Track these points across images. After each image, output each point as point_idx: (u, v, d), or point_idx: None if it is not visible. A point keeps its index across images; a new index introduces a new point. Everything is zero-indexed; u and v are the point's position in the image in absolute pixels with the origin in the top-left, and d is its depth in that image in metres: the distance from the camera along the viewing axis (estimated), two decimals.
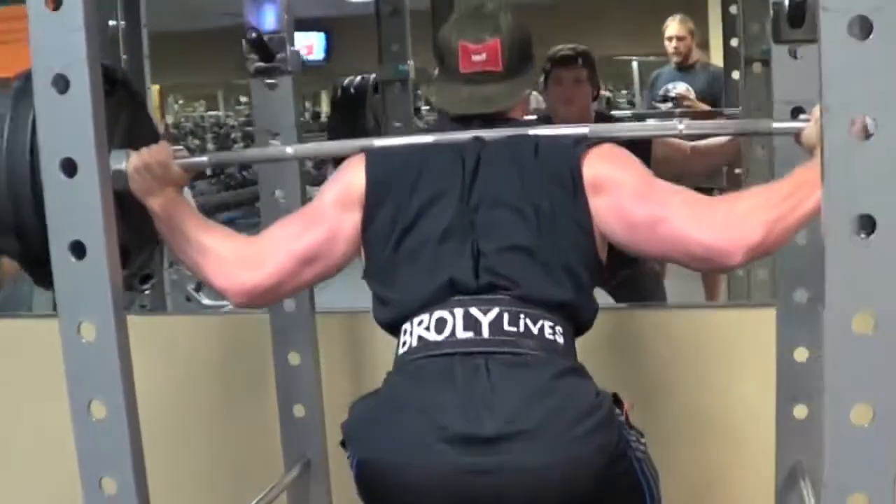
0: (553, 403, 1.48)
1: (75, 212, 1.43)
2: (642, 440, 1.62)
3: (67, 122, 1.42)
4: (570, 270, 1.62)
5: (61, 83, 1.41)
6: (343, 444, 1.64)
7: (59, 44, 1.40)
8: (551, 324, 1.58)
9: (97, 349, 1.45)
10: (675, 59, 4.80)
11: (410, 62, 3.05)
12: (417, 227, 1.64)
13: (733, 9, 3.28)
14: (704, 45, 7.59)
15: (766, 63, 2.83)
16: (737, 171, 3.23)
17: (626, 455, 1.57)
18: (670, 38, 4.79)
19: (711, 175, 3.31)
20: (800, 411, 1.97)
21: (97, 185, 1.43)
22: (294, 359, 2.18)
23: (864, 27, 1.15)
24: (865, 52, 1.15)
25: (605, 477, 1.51)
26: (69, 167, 1.42)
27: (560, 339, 1.58)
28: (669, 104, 4.61)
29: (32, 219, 1.59)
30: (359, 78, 3.49)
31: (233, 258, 1.69)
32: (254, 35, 1.97)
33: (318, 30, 10.67)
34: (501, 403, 1.47)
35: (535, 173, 1.65)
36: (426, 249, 1.63)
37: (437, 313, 1.58)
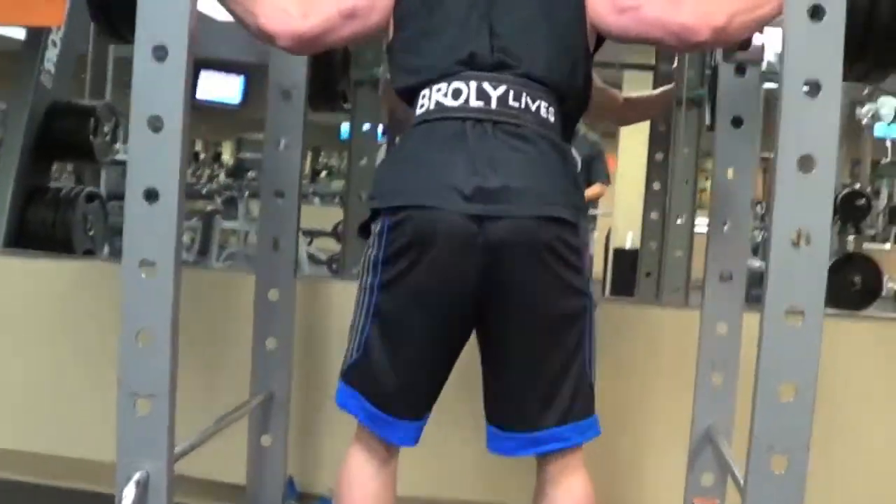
0: (545, 170, 1.84)
1: None
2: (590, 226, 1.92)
3: None
4: (567, 52, 1.95)
5: None
6: (363, 228, 1.88)
7: None
8: (546, 104, 1.91)
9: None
10: None
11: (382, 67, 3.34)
12: (443, 6, 1.92)
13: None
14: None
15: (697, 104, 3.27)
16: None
17: (581, 226, 1.89)
18: None
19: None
20: (717, 378, 2.29)
21: None
22: (273, 295, 2.41)
23: None
24: None
25: (571, 234, 1.82)
26: None
27: (552, 119, 1.91)
28: None
29: None
30: None
31: (285, 6, 1.92)
32: None
33: (238, 73, 10.80)
34: (504, 164, 1.80)
35: None
36: (450, 26, 1.91)
37: (454, 84, 1.88)
